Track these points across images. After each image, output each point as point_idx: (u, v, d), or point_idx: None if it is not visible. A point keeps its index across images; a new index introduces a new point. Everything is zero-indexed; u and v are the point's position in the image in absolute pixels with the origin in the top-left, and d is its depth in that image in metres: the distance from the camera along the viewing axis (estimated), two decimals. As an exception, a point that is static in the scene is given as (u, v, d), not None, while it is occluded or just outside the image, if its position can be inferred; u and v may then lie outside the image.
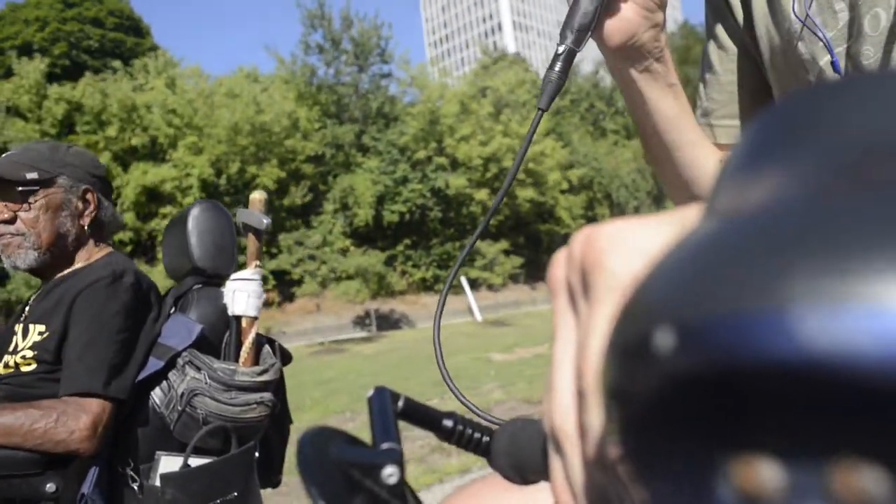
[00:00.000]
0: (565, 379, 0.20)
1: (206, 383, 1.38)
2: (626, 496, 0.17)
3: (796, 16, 0.71)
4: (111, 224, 1.63)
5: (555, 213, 28.25)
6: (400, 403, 0.31)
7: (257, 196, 1.55)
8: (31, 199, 1.47)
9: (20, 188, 1.46)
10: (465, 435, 0.32)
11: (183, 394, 1.38)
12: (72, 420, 1.26)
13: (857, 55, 0.69)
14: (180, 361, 1.43)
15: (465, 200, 25.66)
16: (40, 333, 1.41)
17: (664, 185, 0.81)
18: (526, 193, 26.54)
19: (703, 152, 0.75)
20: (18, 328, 1.46)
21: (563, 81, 0.65)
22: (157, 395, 1.44)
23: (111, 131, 21.34)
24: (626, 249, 0.18)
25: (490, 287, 25.76)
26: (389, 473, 0.25)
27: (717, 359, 0.12)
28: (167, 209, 21.28)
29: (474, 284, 24.88)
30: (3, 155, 1.51)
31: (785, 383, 0.11)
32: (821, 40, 0.70)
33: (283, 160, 23.08)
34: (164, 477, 1.31)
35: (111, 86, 21.82)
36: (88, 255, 1.55)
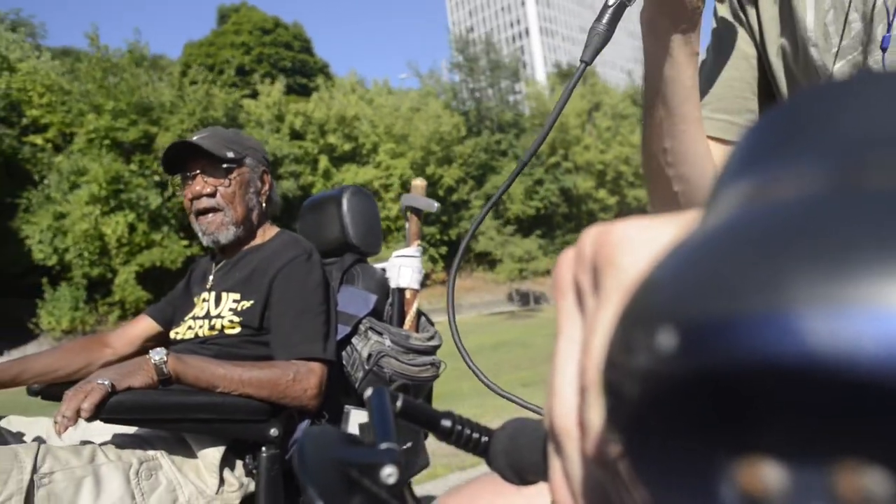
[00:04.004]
0: (568, 377, 0.20)
1: (388, 346, 1.55)
2: (627, 496, 0.16)
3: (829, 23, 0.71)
4: (276, 204, 1.73)
5: (646, 209, 33.43)
6: (399, 403, 0.30)
7: (419, 182, 1.71)
8: (230, 176, 1.56)
9: (224, 165, 1.55)
10: (463, 435, 0.31)
11: (370, 355, 1.54)
12: (304, 380, 1.41)
13: (864, 64, 0.70)
14: (362, 327, 1.59)
15: (585, 199, 30.83)
16: (236, 301, 1.53)
17: (647, 158, 0.80)
18: (635, 193, 31.87)
19: (702, 131, 0.76)
20: (208, 295, 1.58)
21: (609, 34, 0.64)
22: (342, 356, 1.58)
23: (332, 139, 26.13)
24: (638, 247, 0.18)
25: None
26: (388, 473, 0.25)
27: (720, 360, 0.12)
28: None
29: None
30: (199, 135, 1.58)
31: (788, 385, 0.11)
32: (835, 47, 0.70)
33: (455, 162, 28.17)
34: (362, 427, 1.41)
35: (332, 101, 26.63)
36: (263, 232, 1.66)
